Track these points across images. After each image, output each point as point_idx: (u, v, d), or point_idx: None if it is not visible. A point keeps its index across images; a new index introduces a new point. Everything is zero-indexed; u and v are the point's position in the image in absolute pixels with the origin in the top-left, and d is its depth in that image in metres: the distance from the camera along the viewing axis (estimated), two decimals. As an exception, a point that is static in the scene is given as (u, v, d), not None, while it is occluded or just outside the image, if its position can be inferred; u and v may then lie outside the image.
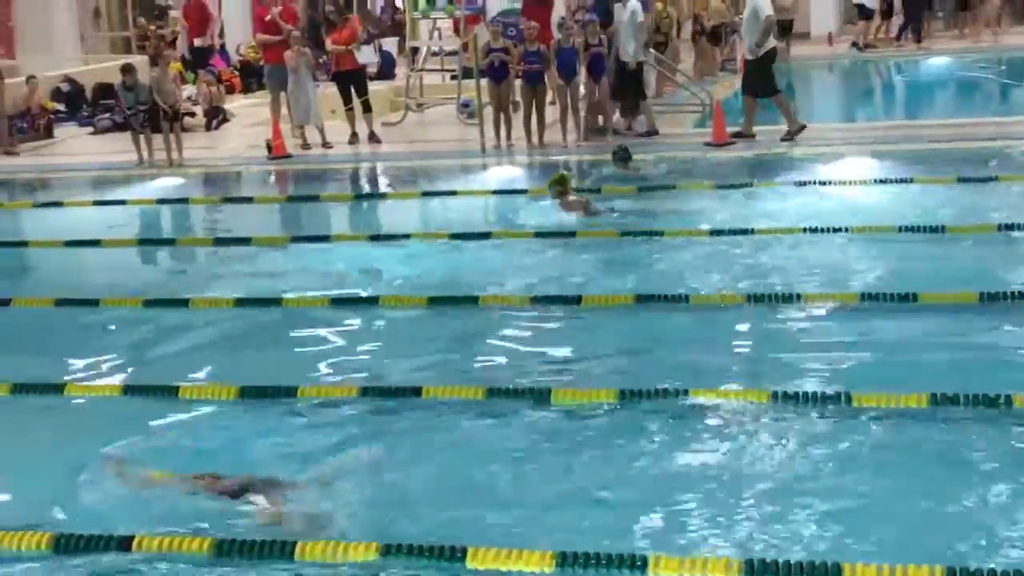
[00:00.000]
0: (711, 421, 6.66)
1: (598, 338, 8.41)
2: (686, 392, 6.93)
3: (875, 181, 12.84)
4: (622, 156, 14.21)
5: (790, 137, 15.46)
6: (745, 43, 15.88)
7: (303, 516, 5.76)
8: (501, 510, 5.78)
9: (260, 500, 5.88)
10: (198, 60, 21.12)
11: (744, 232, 10.81)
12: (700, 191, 13.05)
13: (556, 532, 5.51)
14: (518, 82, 16.58)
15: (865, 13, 25.59)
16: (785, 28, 25.45)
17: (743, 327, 8.44)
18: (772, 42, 15.61)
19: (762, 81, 15.60)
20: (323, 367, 8.04)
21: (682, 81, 19.93)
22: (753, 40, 15.38)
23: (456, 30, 20.16)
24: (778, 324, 8.41)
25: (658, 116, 17.85)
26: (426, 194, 13.68)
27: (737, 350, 8.04)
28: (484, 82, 16.58)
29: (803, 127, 15.60)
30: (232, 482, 5.98)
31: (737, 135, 15.70)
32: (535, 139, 16.31)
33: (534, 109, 16.32)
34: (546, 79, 16.19)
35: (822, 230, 10.58)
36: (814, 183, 12.79)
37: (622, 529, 5.52)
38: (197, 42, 21.65)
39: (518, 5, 20.04)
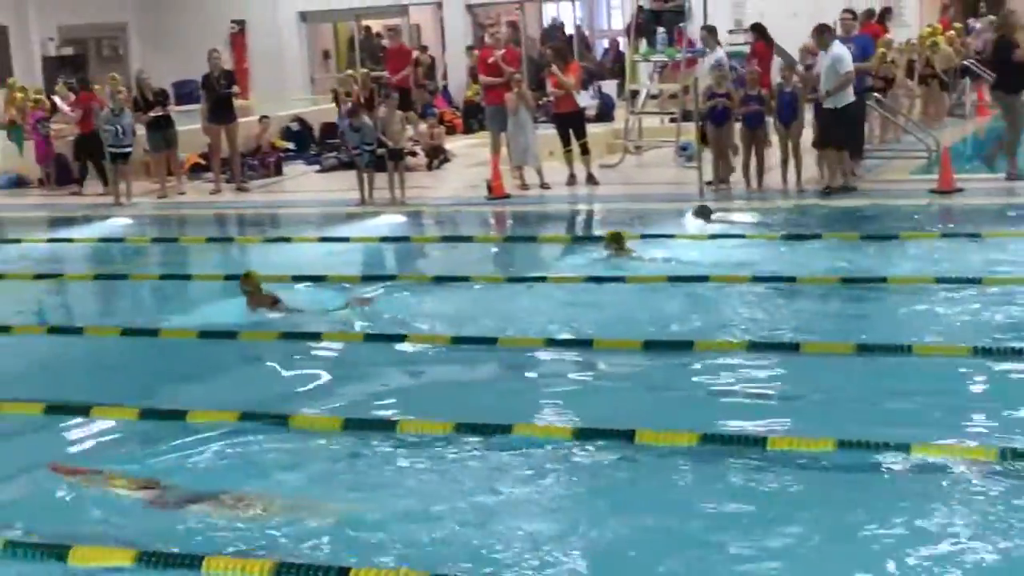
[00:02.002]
0: (934, 477, 6.44)
1: (817, 386, 8.23)
2: (908, 446, 6.72)
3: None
4: (703, 213, 14.29)
5: (831, 191, 15.34)
6: (821, 91, 15.54)
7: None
8: (712, 561, 5.70)
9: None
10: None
11: (972, 282, 10.47)
12: (925, 239, 12.69)
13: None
14: (737, 125, 16.47)
15: None
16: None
17: (970, 380, 8.15)
18: (850, 97, 15.32)
19: (838, 133, 15.41)
20: (536, 407, 8.07)
21: (907, 126, 19.44)
22: (825, 89, 15.22)
23: (674, 73, 20.13)
24: (1007, 378, 8.09)
25: (882, 162, 17.56)
26: (644, 236, 13.66)
27: (963, 404, 7.74)
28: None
29: (852, 189, 15.44)
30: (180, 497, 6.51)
31: (828, 190, 15.48)
32: (754, 183, 16.16)
33: (754, 153, 16.18)
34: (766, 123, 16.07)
35: (1056, 282, 10.19)
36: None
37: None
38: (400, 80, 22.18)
39: (745, 48, 19.97)
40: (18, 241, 16.59)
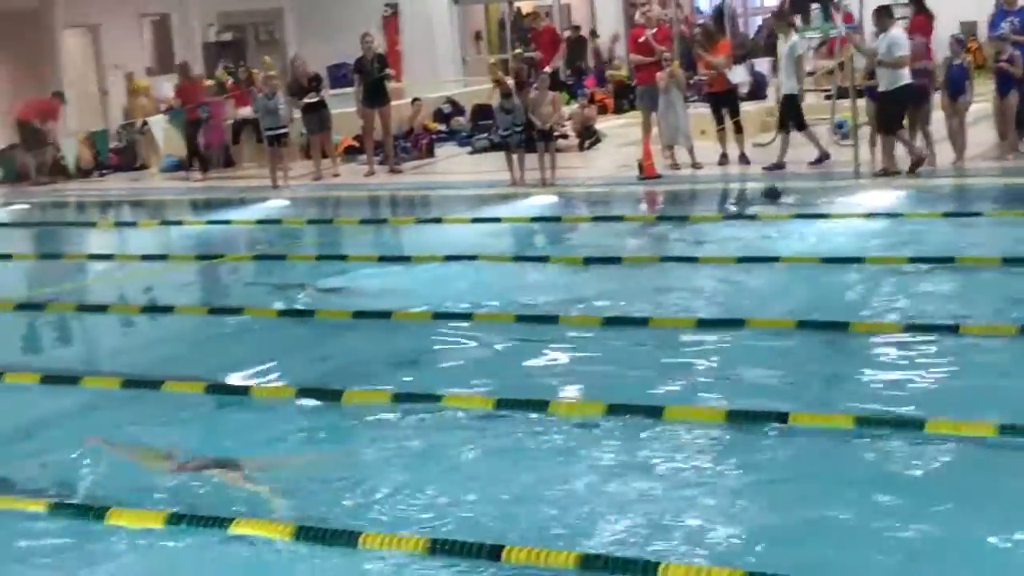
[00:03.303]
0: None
1: (976, 369, 8.03)
2: (1074, 431, 6.53)
3: None
4: (771, 194, 14.60)
5: (887, 173, 15.28)
6: (878, 75, 15.35)
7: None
8: (866, 546, 5.60)
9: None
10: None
11: None
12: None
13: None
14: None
15: None
16: None
17: None
18: (905, 78, 15.07)
19: (889, 116, 15.24)
20: (688, 389, 8.03)
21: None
22: (882, 69, 15.07)
23: (831, 50, 19.79)
24: None
25: None
26: (797, 216, 13.45)
27: None
28: (860, 102, 16.18)
29: (921, 160, 15.36)
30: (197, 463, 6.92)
31: (883, 172, 15.32)
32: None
33: (918, 128, 15.80)
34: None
35: None
36: None
37: None
38: (549, 68, 22.27)
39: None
40: (180, 223, 17.07)
